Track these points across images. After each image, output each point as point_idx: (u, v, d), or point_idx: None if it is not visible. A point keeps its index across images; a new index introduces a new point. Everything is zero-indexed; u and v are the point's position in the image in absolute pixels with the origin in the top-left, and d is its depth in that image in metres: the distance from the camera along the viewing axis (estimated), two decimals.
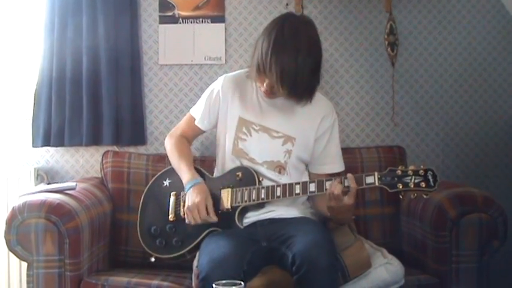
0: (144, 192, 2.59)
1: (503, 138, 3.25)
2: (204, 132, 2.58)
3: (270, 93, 2.30)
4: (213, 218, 2.30)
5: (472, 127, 3.24)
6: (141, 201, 2.57)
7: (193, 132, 2.58)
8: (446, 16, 3.22)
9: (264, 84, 2.26)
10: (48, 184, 2.95)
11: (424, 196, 2.13)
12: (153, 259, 2.43)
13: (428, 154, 3.22)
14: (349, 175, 2.17)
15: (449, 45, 3.23)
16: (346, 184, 2.16)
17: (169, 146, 2.55)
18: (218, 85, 2.48)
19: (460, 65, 3.24)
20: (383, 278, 2.32)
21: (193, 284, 2.32)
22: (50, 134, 3.06)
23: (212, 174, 2.52)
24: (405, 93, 3.22)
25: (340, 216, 2.25)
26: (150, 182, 2.61)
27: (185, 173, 2.41)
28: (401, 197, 2.15)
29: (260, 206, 2.32)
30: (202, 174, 2.46)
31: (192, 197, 2.31)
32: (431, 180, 2.08)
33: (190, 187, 2.35)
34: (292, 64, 2.15)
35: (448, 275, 2.45)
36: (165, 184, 2.52)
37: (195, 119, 2.54)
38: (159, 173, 2.61)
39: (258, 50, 2.23)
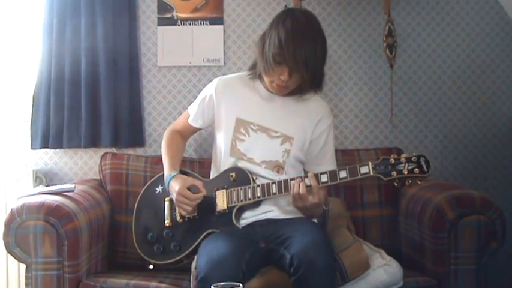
0: (138, 201, 2.60)
1: (501, 140, 3.26)
2: (200, 129, 2.61)
3: (284, 86, 2.32)
4: (202, 191, 2.33)
5: (470, 129, 3.25)
6: (135, 209, 2.58)
7: (189, 129, 2.60)
8: (444, 18, 3.23)
9: (281, 76, 2.27)
10: (46, 186, 2.95)
11: (418, 182, 2.15)
12: (151, 266, 2.44)
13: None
14: (309, 174, 2.21)
15: (448, 47, 3.24)
16: (307, 183, 2.18)
17: (163, 141, 2.58)
18: (211, 89, 2.49)
19: (459, 67, 3.24)
20: (382, 279, 2.32)
21: (191, 286, 2.32)
22: (48, 136, 3.06)
23: (209, 176, 2.52)
24: (403, 95, 3.22)
25: (308, 213, 2.29)
26: (143, 190, 2.62)
27: (165, 169, 2.46)
28: (396, 184, 2.16)
29: (257, 204, 2.32)
30: (194, 176, 2.48)
31: (172, 190, 2.36)
32: (424, 166, 2.11)
33: (168, 183, 2.39)
34: (313, 51, 2.23)
35: (446, 277, 2.45)
36: (158, 191, 2.53)
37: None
38: (151, 181, 2.62)
39: (272, 42, 2.25)
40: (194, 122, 2.55)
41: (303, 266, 2.03)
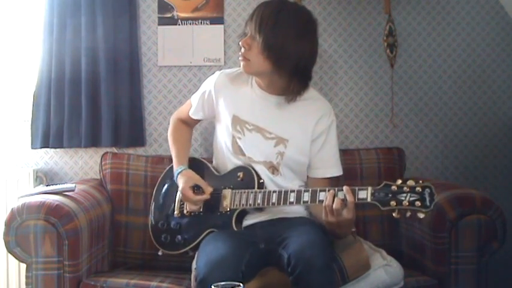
0: (157, 185, 2.60)
1: (502, 140, 3.25)
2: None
3: (245, 57, 2.26)
4: (206, 193, 2.33)
5: (470, 128, 3.25)
6: (154, 192, 2.59)
7: (192, 119, 2.60)
8: (445, 17, 3.23)
9: (241, 42, 2.26)
10: (47, 186, 2.95)
11: (420, 217, 1.94)
12: (160, 253, 2.46)
13: (427, 155, 3.22)
14: (345, 187, 2.05)
15: (448, 47, 3.23)
16: (341, 197, 2.05)
17: (169, 131, 2.60)
18: (211, 84, 2.47)
19: (459, 67, 3.24)
20: (382, 279, 2.31)
21: (192, 286, 2.32)
22: (48, 135, 3.06)
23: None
24: (404, 95, 3.22)
25: (339, 230, 2.14)
26: (163, 174, 2.62)
27: (174, 163, 2.47)
28: (394, 215, 1.97)
29: (259, 209, 2.31)
30: (205, 168, 2.48)
31: (179, 187, 2.37)
32: (427, 199, 1.92)
33: (176, 178, 2.40)
34: (273, 14, 2.18)
35: (447, 277, 2.45)
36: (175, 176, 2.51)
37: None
38: (170, 165, 2.58)
39: None
40: (195, 115, 2.55)
41: (300, 266, 2.01)
